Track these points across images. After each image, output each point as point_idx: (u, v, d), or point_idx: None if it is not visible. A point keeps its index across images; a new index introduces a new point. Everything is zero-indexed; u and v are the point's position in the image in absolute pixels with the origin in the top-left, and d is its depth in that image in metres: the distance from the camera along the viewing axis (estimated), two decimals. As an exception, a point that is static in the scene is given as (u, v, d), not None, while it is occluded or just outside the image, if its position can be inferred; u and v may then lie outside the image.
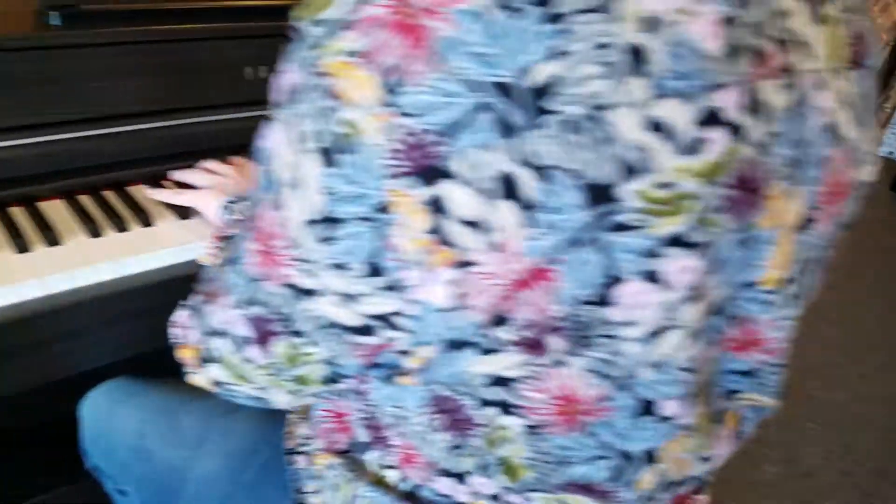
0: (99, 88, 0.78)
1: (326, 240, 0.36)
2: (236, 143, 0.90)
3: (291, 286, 0.39)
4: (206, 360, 0.47)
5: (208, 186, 0.77)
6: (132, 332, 0.74)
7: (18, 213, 0.74)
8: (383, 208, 0.34)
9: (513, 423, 0.42)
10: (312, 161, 0.35)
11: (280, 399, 0.47)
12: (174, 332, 0.52)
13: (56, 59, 0.74)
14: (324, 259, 0.37)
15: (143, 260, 0.72)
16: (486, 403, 0.42)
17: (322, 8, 0.35)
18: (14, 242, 0.69)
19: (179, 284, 0.74)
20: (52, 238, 0.71)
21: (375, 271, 0.36)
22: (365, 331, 0.40)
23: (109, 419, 0.78)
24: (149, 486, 0.72)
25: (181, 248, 0.74)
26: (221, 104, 0.88)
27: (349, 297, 0.38)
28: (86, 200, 0.79)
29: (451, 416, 0.43)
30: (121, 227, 0.75)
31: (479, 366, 0.40)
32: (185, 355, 0.50)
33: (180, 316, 0.51)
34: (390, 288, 0.36)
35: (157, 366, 0.80)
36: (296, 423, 0.68)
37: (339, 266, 0.37)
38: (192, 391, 0.81)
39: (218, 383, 0.48)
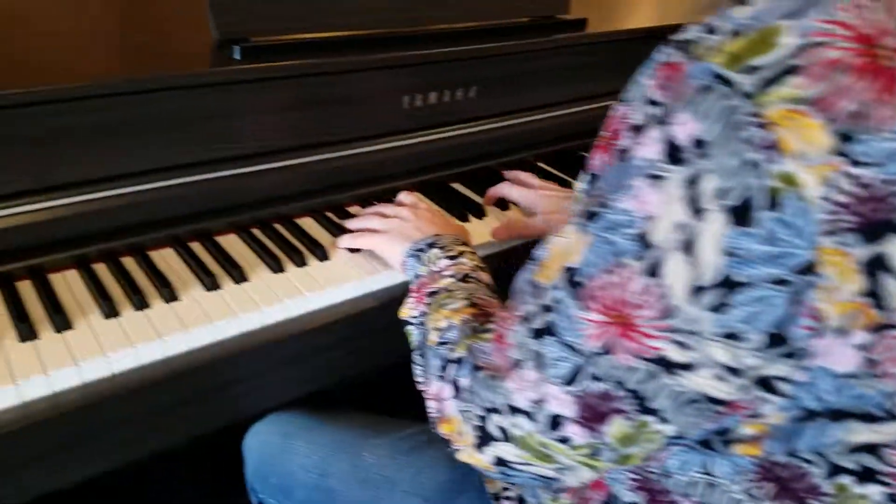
0: (268, 122, 0.78)
1: (719, 307, 0.33)
2: (396, 173, 0.90)
3: (658, 360, 0.36)
4: (489, 437, 0.44)
5: (386, 230, 0.76)
6: (313, 369, 0.72)
7: (199, 248, 0.75)
8: (807, 269, 0.31)
9: (873, 491, 0.38)
10: (714, 221, 0.32)
11: (580, 477, 0.43)
12: (429, 405, 0.50)
13: (234, 94, 0.74)
14: (711, 329, 0.34)
15: (327, 295, 0.71)
16: (840, 471, 0.38)
17: (752, 54, 0.32)
18: (204, 281, 0.69)
19: (355, 320, 0.74)
20: (239, 275, 0.70)
21: (777, 340, 0.33)
22: (734, 400, 0.36)
23: (282, 454, 0.77)
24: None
25: (359, 283, 0.73)
26: (380, 134, 0.87)
27: (732, 371, 0.34)
28: (260, 234, 0.78)
29: (784, 484, 0.39)
30: (301, 261, 0.74)
31: (865, 435, 0.36)
32: (445, 430, 0.48)
33: (435, 387, 0.49)
34: (788, 356, 0.33)
35: (327, 398, 0.80)
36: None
37: (730, 336, 0.33)
38: (367, 425, 0.80)
39: (503, 462, 0.45)
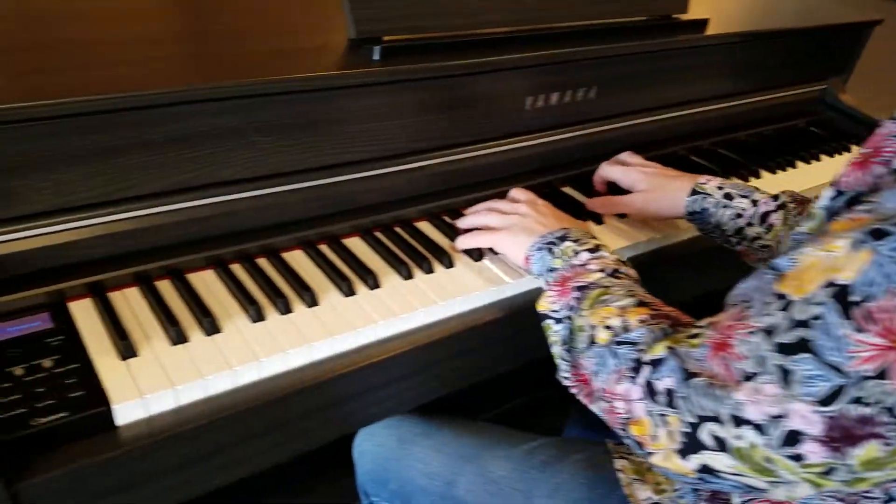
0: (395, 125, 0.77)
1: None
2: (509, 176, 0.88)
3: None
4: (698, 445, 0.43)
5: (505, 226, 0.74)
6: (439, 378, 0.72)
7: (329, 252, 0.74)
8: None
9: None
10: None
11: (795, 493, 0.42)
12: (617, 406, 0.49)
13: (367, 96, 0.73)
14: None
15: (458, 303, 0.70)
16: None
17: None
18: (340, 286, 0.69)
19: (483, 328, 0.73)
20: (373, 281, 0.70)
21: None
22: None
23: (401, 460, 0.77)
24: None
25: (487, 292, 0.72)
26: (500, 136, 0.86)
27: None
28: (384, 238, 0.78)
29: None
30: (429, 268, 0.74)
31: None
32: (636, 432, 0.48)
33: (622, 387, 0.49)
34: None
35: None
36: (631, 483, 0.64)
37: None
38: (486, 434, 0.79)
39: (710, 471, 0.44)
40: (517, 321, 0.73)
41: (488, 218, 0.76)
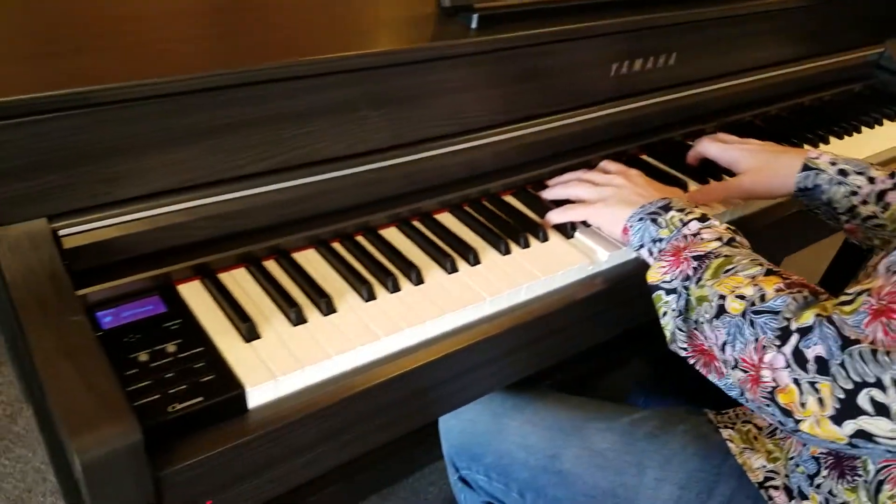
0: (483, 96, 0.75)
1: None
2: (592, 143, 0.86)
3: None
4: (856, 411, 0.44)
5: (601, 198, 0.73)
6: (536, 354, 0.71)
7: (423, 227, 0.73)
8: None
9: None
10: None
11: None
12: (764, 375, 0.49)
13: (461, 67, 0.71)
14: None
15: (559, 277, 0.69)
16: None
17: None
18: (442, 263, 0.67)
19: (582, 302, 0.71)
20: (473, 258, 0.68)
21: None
22: None
23: (497, 434, 0.77)
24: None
25: (584, 265, 0.71)
26: (584, 104, 0.84)
27: None
28: (473, 213, 0.76)
29: None
30: (525, 242, 0.72)
31: None
32: (784, 400, 0.47)
33: (769, 358, 0.48)
34: None
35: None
36: (742, 452, 0.64)
37: None
38: (580, 407, 0.79)
39: (867, 436, 0.44)
40: (612, 294, 0.72)
41: (580, 189, 0.75)
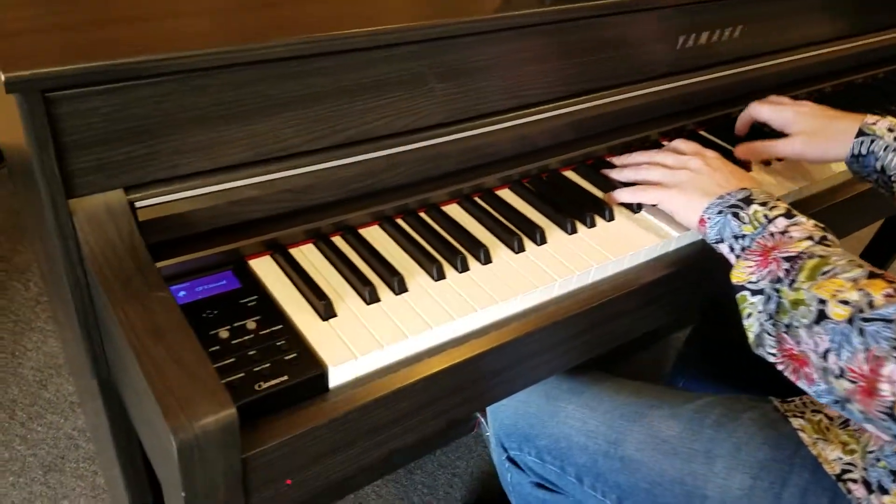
0: (546, 69, 0.73)
1: None
2: (652, 118, 0.84)
3: None
4: None
5: (675, 183, 0.70)
6: (598, 339, 0.70)
7: (485, 204, 0.71)
8: None
9: None
10: None
11: None
12: (882, 389, 0.47)
13: (527, 39, 0.69)
14: None
15: (628, 259, 0.68)
16: None
17: None
18: (509, 242, 0.66)
19: (648, 285, 0.70)
20: (540, 236, 0.67)
21: None
22: None
23: (552, 417, 0.76)
24: (644, 498, 0.69)
25: (654, 246, 0.69)
26: (646, 77, 0.81)
27: None
28: (535, 189, 0.74)
29: None
30: (591, 222, 0.70)
31: None
32: None
33: (888, 371, 0.46)
34: None
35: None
36: (815, 443, 0.63)
37: None
38: (637, 391, 0.77)
39: None
40: (680, 276, 0.70)
41: (653, 172, 0.72)
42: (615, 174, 0.77)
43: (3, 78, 0.43)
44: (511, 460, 0.83)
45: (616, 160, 0.79)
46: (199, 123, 0.54)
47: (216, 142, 0.55)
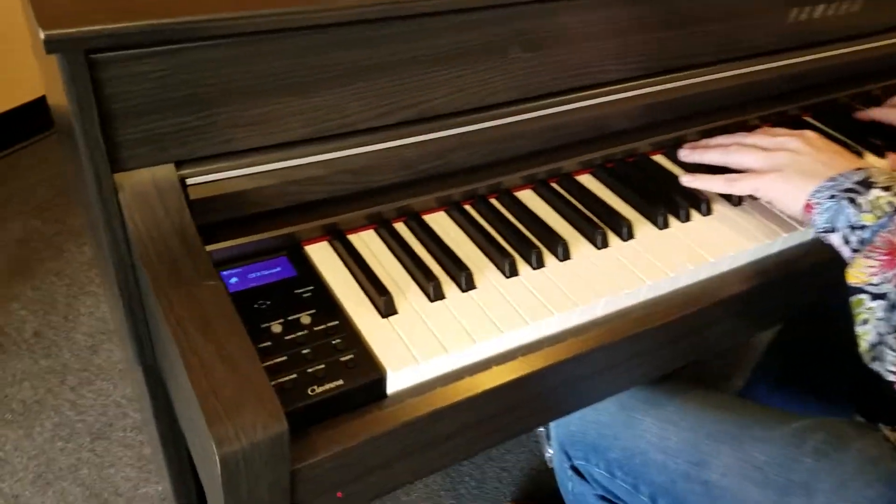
0: (634, 42, 0.65)
1: None
2: (751, 99, 0.75)
3: None
4: None
5: (774, 167, 0.62)
6: (688, 348, 0.63)
7: (561, 190, 0.64)
8: None
9: None
10: None
11: None
12: None
13: (610, 9, 0.61)
14: None
15: (726, 260, 0.60)
16: None
17: None
18: (592, 236, 0.59)
19: (750, 290, 0.61)
20: (627, 231, 0.59)
21: None
22: None
23: (626, 429, 0.68)
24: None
25: (758, 246, 0.61)
26: (750, 54, 0.72)
27: None
28: (621, 175, 0.66)
29: None
30: (685, 216, 0.62)
31: None
32: None
33: None
34: None
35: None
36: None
37: None
38: (725, 407, 0.68)
39: None
40: (784, 281, 0.62)
41: (746, 156, 0.63)
42: (700, 156, 0.68)
43: (42, 36, 0.38)
44: (575, 469, 0.77)
45: (700, 143, 0.70)
46: (258, 94, 0.48)
47: (276, 115, 0.50)
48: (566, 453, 0.76)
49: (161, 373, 0.58)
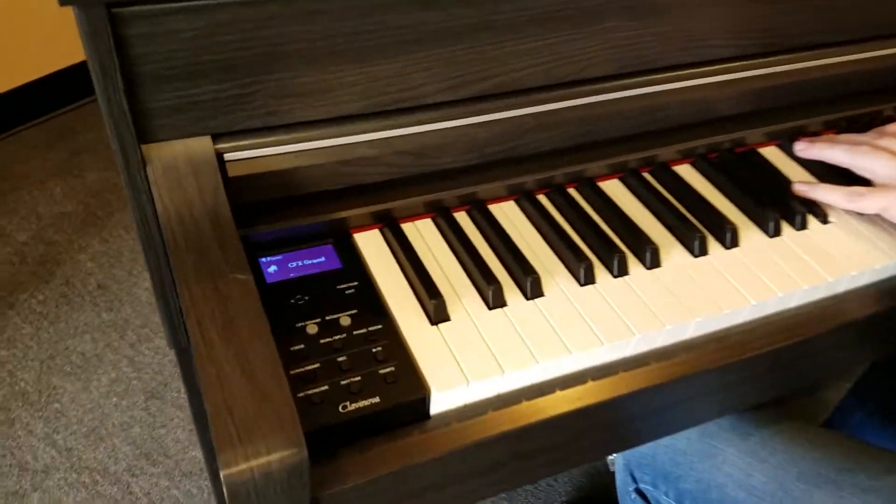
0: (744, 15, 0.54)
1: None
2: (877, 88, 0.63)
3: None
4: None
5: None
6: (787, 378, 0.53)
7: (656, 184, 0.55)
8: None
9: None
10: None
11: None
12: None
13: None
14: None
15: (844, 281, 0.50)
16: None
17: None
18: (687, 241, 0.50)
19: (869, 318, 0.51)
20: (731, 238, 0.50)
21: None
22: None
23: (705, 459, 0.60)
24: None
25: (883, 266, 0.51)
26: (881, 35, 0.60)
27: None
28: (726, 169, 0.57)
29: None
30: (801, 223, 0.52)
31: None
32: None
33: None
34: None
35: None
36: None
37: None
38: (821, 444, 0.58)
39: None
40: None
41: (875, 161, 0.53)
42: (819, 150, 0.58)
43: (58, -18, 0.33)
44: (640, 493, 0.70)
45: (823, 138, 0.60)
46: (307, 60, 0.42)
47: (328, 85, 0.43)
48: (632, 475, 0.69)
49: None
